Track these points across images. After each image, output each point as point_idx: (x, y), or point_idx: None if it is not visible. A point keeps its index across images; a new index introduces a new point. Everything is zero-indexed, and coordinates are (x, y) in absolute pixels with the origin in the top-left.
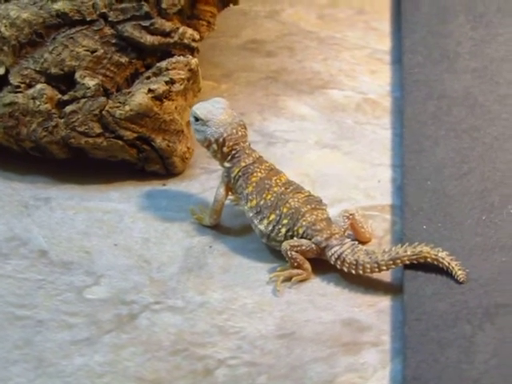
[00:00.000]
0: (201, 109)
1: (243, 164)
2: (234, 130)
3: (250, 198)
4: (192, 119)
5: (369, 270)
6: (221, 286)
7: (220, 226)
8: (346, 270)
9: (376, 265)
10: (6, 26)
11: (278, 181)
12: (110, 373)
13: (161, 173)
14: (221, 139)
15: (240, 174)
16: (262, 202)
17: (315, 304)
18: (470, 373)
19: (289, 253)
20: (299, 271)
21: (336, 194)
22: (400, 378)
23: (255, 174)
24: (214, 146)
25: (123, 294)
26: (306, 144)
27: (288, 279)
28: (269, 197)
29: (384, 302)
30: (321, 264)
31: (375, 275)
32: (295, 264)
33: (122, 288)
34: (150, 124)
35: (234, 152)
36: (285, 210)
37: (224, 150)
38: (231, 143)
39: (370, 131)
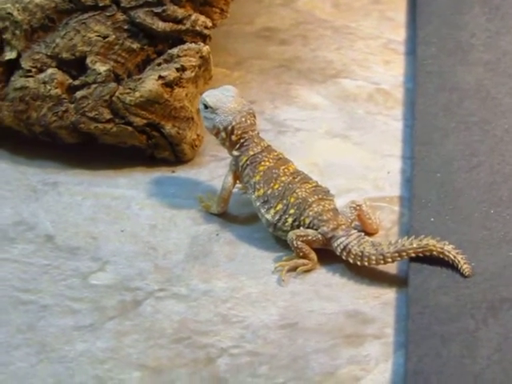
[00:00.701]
0: (210, 96)
1: (251, 153)
2: (243, 119)
3: (257, 187)
4: (201, 106)
5: (374, 262)
6: (226, 275)
7: (227, 214)
8: (351, 261)
9: (381, 257)
10: (18, 11)
11: (285, 170)
12: (112, 359)
13: (170, 160)
14: (229, 127)
15: (248, 162)
16: (269, 192)
17: (319, 294)
18: (472, 367)
19: (295, 242)
20: (305, 261)
21: (345, 184)
22: (402, 371)
23: (263, 163)
24: (223, 134)
25: (128, 281)
26: (316, 133)
27: (293, 269)
28: (276, 186)
29: (389, 295)
30: (327, 254)
31: (381, 267)
32: (301, 254)
33: (127, 274)
34: (160, 111)
35: (242, 140)
36: (292, 200)
37: (232, 138)
38: (240, 132)
39: (381, 122)
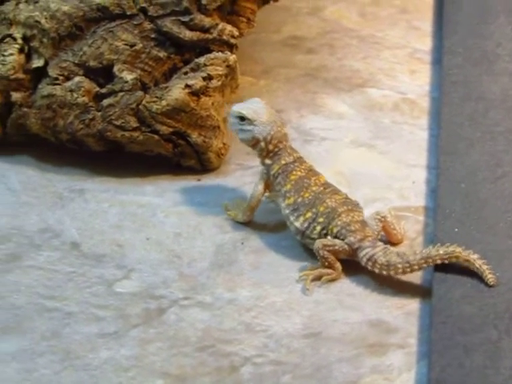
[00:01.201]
0: (246, 109)
1: (283, 162)
2: (279, 128)
3: (287, 195)
4: (235, 120)
5: (401, 271)
6: (250, 283)
7: (253, 222)
8: (377, 271)
9: (408, 264)
10: (46, 19)
11: (316, 181)
12: (136, 367)
13: (196, 168)
14: (269, 137)
15: (280, 171)
16: (299, 200)
17: (343, 304)
18: (495, 378)
19: (321, 252)
20: (329, 271)
21: (370, 193)
22: (425, 381)
23: (294, 173)
24: (262, 144)
25: (153, 289)
26: (341, 142)
27: (318, 278)
28: (307, 195)
29: (413, 305)
30: (351, 265)
31: (405, 277)
32: (326, 263)
33: (151, 282)
34: (187, 119)
35: (276, 150)
36: (321, 209)
37: (269, 147)
38: (276, 141)
39: (406, 131)
